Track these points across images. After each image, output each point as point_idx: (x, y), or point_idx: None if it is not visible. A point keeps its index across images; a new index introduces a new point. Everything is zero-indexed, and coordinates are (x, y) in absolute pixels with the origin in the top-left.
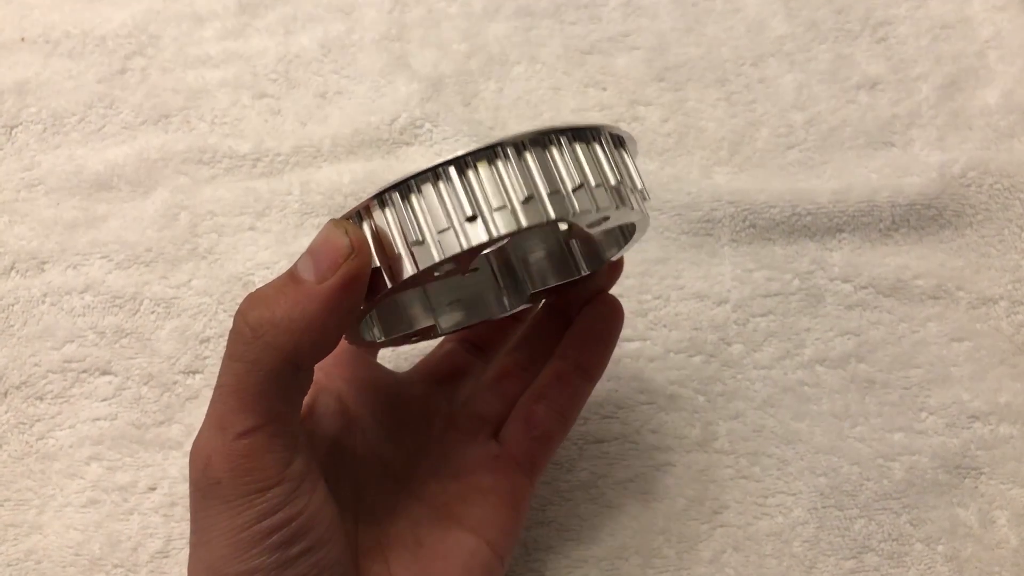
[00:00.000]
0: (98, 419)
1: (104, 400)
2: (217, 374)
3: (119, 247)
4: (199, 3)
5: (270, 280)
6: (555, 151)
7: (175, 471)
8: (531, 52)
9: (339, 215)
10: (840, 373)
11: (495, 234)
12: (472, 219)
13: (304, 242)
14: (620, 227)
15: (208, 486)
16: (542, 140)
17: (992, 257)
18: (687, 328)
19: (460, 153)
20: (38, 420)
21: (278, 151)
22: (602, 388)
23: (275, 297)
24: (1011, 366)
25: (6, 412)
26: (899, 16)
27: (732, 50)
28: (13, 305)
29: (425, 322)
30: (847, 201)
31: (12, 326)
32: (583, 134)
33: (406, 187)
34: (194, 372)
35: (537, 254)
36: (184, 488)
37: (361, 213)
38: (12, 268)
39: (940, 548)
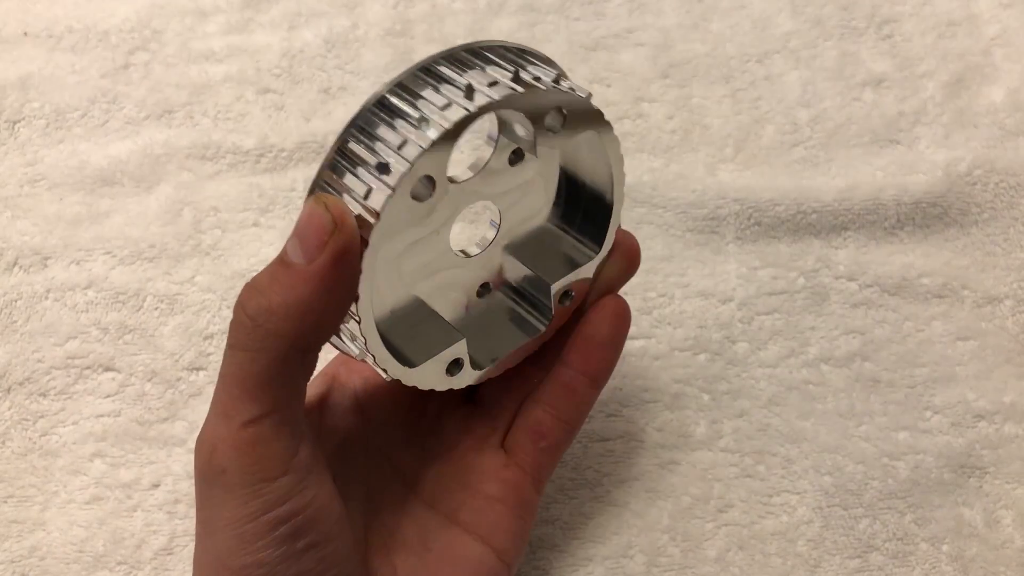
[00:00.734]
0: (102, 416)
1: (107, 396)
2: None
3: (122, 243)
4: None
5: (283, 256)
6: (473, 59)
7: (179, 468)
8: (536, 48)
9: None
10: (845, 372)
11: (448, 124)
12: (423, 121)
13: None
14: (597, 207)
15: (214, 475)
16: (455, 55)
17: (998, 256)
18: (692, 326)
19: (389, 82)
20: (41, 416)
21: (282, 147)
22: (607, 386)
23: (269, 284)
24: (1016, 365)
25: (9, 408)
26: (905, 13)
27: (737, 47)
28: (16, 301)
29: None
30: (852, 199)
31: (15, 322)
32: (494, 48)
33: (357, 128)
34: (198, 368)
35: (537, 255)
36: (188, 485)
37: (328, 183)
38: (15, 264)
39: (945, 547)
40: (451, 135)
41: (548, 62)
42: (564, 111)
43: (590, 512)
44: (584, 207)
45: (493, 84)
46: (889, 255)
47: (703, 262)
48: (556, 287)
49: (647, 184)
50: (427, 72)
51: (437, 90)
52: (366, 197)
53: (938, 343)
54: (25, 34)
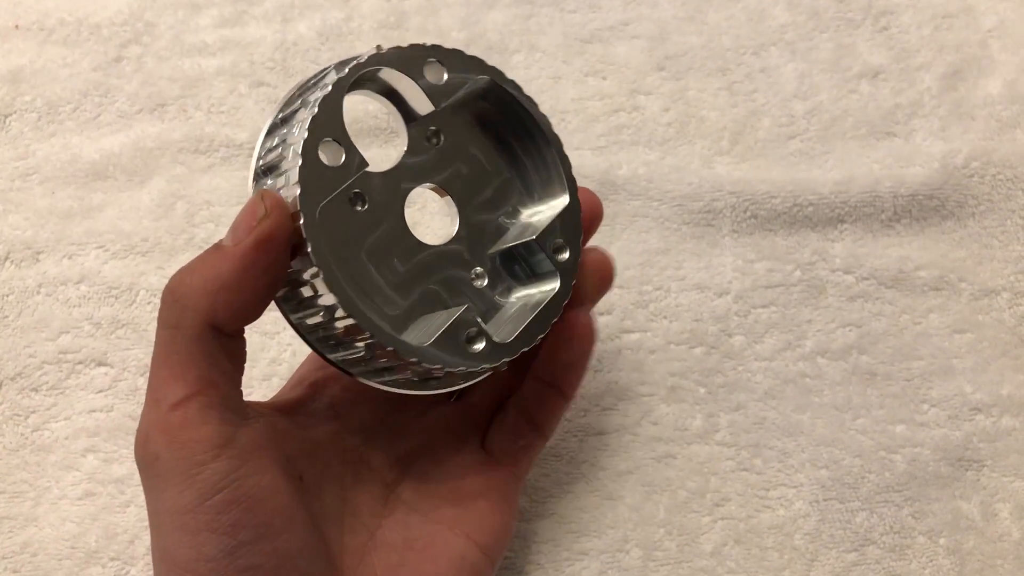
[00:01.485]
0: (94, 411)
1: (100, 391)
2: None
3: (115, 237)
4: None
5: (218, 242)
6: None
7: None
8: (530, 40)
9: None
10: (842, 365)
11: (327, 89)
12: (305, 104)
13: None
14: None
15: (149, 463)
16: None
17: (994, 248)
18: (688, 319)
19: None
20: (33, 412)
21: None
22: (602, 380)
23: (196, 264)
24: (1013, 358)
25: (1, 404)
26: (901, 5)
27: (733, 39)
28: (8, 296)
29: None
30: (849, 192)
31: (7, 317)
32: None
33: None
34: None
35: (510, 225)
36: None
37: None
38: (7, 258)
39: (942, 541)
40: (333, 101)
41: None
42: (440, 60)
43: (586, 506)
44: (529, 161)
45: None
46: (886, 248)
47: (699, 255)
48: (540, 239)
49: (643, 177)
50: (303, 86)
51: (316, 85)
52: (282, 187)
53: (935, 336)
54: (16, 27)
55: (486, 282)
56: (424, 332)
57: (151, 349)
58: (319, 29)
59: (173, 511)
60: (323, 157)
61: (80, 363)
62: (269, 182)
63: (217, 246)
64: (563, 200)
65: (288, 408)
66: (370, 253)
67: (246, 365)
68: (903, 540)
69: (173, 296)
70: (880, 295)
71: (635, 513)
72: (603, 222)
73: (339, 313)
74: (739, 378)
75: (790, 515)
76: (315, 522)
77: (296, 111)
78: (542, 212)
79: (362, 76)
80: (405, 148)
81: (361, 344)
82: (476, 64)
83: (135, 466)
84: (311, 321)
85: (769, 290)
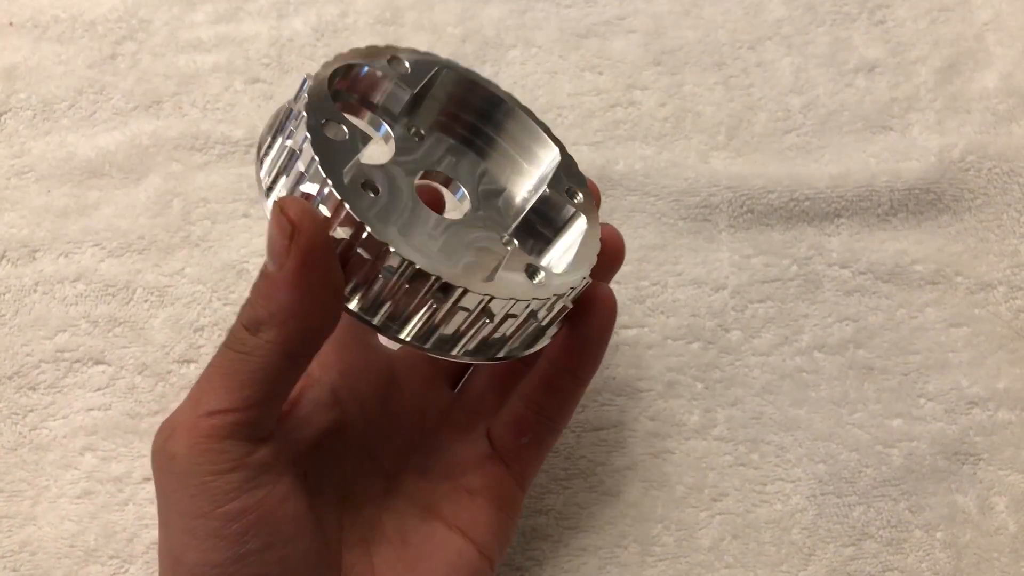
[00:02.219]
0: (92, 409)
1: (98, 390)
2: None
3: (111, 235)
4: None
5: (263, 267)
6: None
7: None
8: (526, 36)
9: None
10: (838, 359)
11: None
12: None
13: None
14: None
15: (166, 459)
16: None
17: (991, 242)
18: (685, 315)
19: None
20: (31, 410)
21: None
22: (600, 375)
23: (255, 297)
24: (1010, 351)
25: None
26: None
27: (729, 33)
28: (4, 294)
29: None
30: (845, 186)
31: (3, 315)
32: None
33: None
34: (188, 361)
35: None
36: None
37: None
38: (3, 257)
39: (939, 534)
40: (319, 90)
41: None
42: (399, 56)
43: (584, 502)
44: (507, 139)
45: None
46: (882, 242)
47: (696, 250)
48: (553, 186)
49: (639, 172)
50: (279, 113)
51: (296, 98)
52: (297, 181)
53: (931, 330)
54: (11, 24)
55: (517, 244)
56: (480, 277)
57: (148, 347)
58: (314, 25)
59: (183, 513)
60: (329, 134)
61: (77, 361)
62: (280, 185)
63: (264, 274)
64: (553, 154)
65: (293, 400)
66: (400, 233)
67: None
68: (900, 534)
69: (249, 332)
70: (877, 289)
71: (633, 509)
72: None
73: (403, 267)
74: (736, 373)
75: (787, 509)
76: (321, 521)
77: (283, 125)
78: (539, 171)
79: (338, 91)
80: (394, 150)
81: (426, 303)
82: (432, 56)
83: (133, 464)
84: (372, 292)
85: (766, 285)
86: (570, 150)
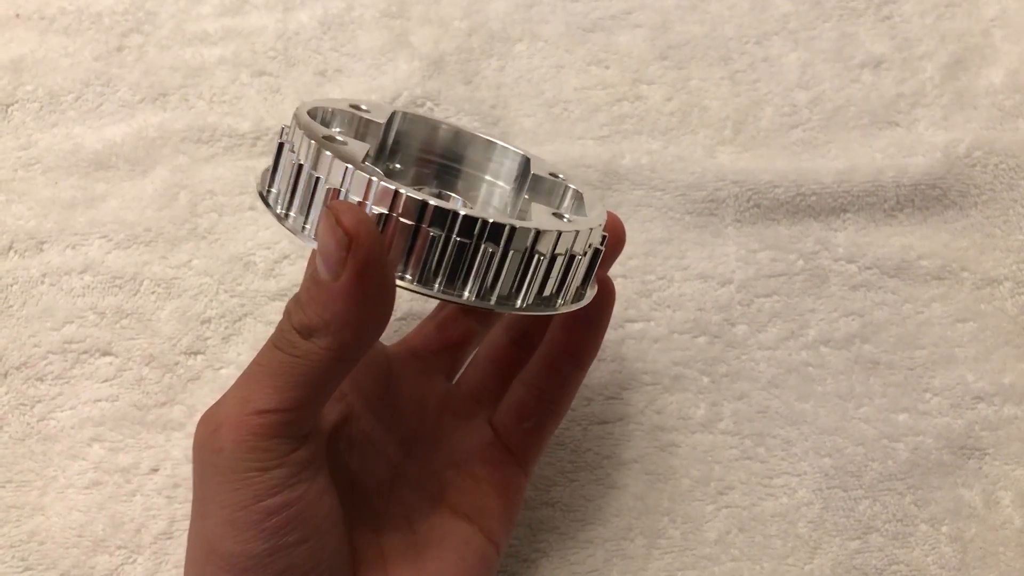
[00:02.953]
0: (99, 400)
1: (105, 381)
2: (222, 355)
3: (118, 227)
4: None
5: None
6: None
7: (177, 452)
8: (533, 29)
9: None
10: (844, 354)
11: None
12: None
13: None
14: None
15: (211, 452)
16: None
17: (997, 238)
18: (691, 309)
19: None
20: (39, 401)
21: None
22: (606, 369)
23: (307, 302)
24: (1015, 347)
25: (6, 393)
26: None
27: (736, 28)
28: (12, 286)
29: None
30: (851, 181)
31: (11, 307)
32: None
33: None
34: (195, 353)
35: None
36: (187, 470)
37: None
38: (10, 248)
39: (944, 528)
40: (306, 116)
41: None
42: (358, 104)
43: (590, 495)
44: (475, 165)
45: None
46: (888, 237)
47: (702, 244)
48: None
49: (645, 166)
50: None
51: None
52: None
53: (937, 325)
54: (17, 16)
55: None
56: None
57: (155, 339)
58: (321, 18)
59: (224, 504)
60: (333, 138)
61: (85, 353)
62: (294, 212)
63: (317, 281)
64: (520, 155)
65: None
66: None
67: None
68: (906, 528)
69: (301, 335)
70: (883, 284)
71: (639, 502)
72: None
73: (450, 219)
74: (742, 367)
75: (793, 503)
76: (342, 513)
77: (279, 158)
78: (515, 173)
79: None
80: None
81: (478, 255)
82: (384, 104)
83: (141, 455)
84: (424, 261)
85: (772, 279)
86: (576, 144)
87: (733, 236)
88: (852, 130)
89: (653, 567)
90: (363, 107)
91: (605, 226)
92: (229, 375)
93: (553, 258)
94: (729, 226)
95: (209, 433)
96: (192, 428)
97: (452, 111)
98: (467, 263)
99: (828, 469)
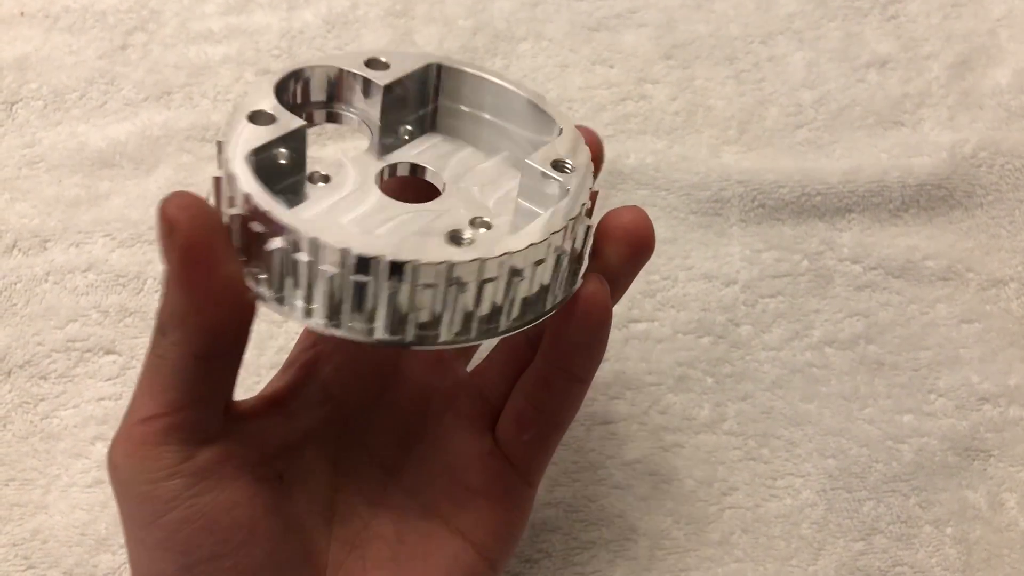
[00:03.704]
0: (103, 399)
1: (108, 380)
2: None
3: (122, 225)
4: None
5: None
6: None
7: None
8: (537, 28)
9: None
10: (849, 354)
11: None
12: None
13: None
14: None
15: (111, 470)
16: None
17: (1002, 238)
18: (695, 309)
19: None
20: (42, 400)
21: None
22: (610, 369)
23: (165, 294)
24: (1021, 348)
25: (10, 391)
26: None
27: (741, 27)
28: (15, 284)
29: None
30: (857, 181)
31: (15, 305)
32: None
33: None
34: None
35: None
36: None
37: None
38: (14, 246)
39: (949, 530)
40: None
41: None
42: (377, 55)
43: (593, 495)
44: (488, 108)
45: None
46: (893, 237)
47: (706, 244)
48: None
49: (650, 166)
50: None
51: None
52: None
53: (942, 326)
54: (22, 14)
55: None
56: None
57: None
58: (325, 16)
59: (130, 524)
60: (255, 120)
61: (88, 351)
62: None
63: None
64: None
65: (276, 398)
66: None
67: (254, 353)
68: (910, 529)
69: (159, 327)
70: (888, 285)
71: (642, 502)
72: None
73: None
74: (746, 368)
75: (797, 504)
76: (292, 523)
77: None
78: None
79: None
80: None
81: (444, 291)
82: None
83: None
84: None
85: (777, 280)
86: None
87: (738, 236)
88: (857, 130)
89: (656, 568)
90: (382, 59)
91: (622, 232)
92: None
93: (481, 285)
94: (734, 226)
95: (110, 450)
96: None
97: None
98: (432, 303)
99: (832, 470)
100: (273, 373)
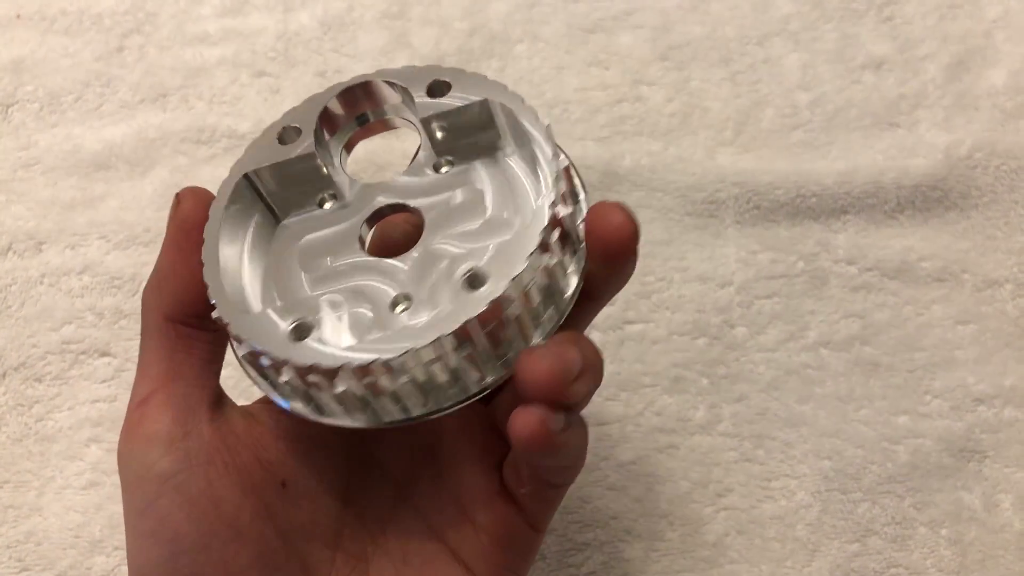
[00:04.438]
0: (97, 401)
1: (103, 382)
2: None
3: (117, 227)
4: None
5: None
6: None
7: None
8: (533, 30)
9: None
10: (844, 356)
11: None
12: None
13: None
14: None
15: (118, 462)
16: None
17: (998, 239)
18: (691, 310)
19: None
20: (37, 402)
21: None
22: (605, 370)
23: (153, 270)
24: (1016, 349)
25: (4, 393)
26: None
27: (737, 29)
28: (11, 286)
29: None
30: (852, 182)
31: (10, 307)
32: None
33: None
34: None
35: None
36: None
37: None
38: (10, 248)
39: (944, 532)
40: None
41: None
42: (442, 79)
43: (588, 496)
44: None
45: None
46: (889, 239)
47: (702, 246)
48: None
49: (645, 167)
50: None
51: None
52: None
53: (938, 327)
54: (18, 16)
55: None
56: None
57: None
58: (321, 19)
59: (129, 513)
60: (280, 137)
61: (83, 353)
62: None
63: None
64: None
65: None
66: (304, 249)
67: None
68: (905, 531)
69: (142, 303)
70: (883, 286)
71: (637, 504)
72: None
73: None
74: (742, 369)
75: (792, 506)
76: (289, 531)
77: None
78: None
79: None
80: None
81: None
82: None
83: None
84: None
85: (772, 281)
86: (576, 145)
87: (733, 237)
88: (853, 131)
89: (651, 570)
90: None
91: (597, 228)
92: (227, 375)
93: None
94: (729, 227)
95: (119, 443)
96: None
97: None
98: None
99: (827, 471)
100: None
